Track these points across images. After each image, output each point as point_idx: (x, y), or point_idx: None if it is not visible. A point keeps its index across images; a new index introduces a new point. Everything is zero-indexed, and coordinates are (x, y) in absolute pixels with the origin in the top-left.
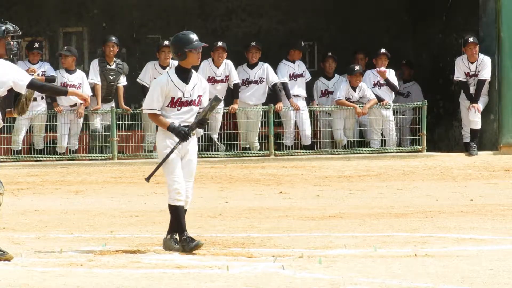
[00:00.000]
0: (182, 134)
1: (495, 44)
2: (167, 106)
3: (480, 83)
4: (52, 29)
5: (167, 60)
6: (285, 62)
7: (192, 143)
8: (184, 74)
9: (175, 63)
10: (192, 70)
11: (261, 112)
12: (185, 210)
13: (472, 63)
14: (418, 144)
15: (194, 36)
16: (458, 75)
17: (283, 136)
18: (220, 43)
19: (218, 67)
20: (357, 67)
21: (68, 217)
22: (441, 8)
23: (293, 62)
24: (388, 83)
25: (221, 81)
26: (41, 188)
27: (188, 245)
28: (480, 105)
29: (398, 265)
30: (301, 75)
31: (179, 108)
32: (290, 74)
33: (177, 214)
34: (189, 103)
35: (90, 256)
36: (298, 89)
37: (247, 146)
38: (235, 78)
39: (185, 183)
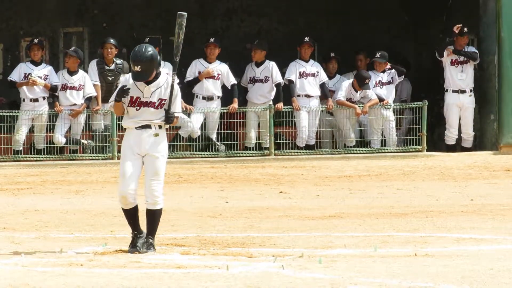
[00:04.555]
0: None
1: (495, 44)
2: (128, 106)
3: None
4: (52, 29)
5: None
6: (297, 61)
7: (151, 141)
8: None
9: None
10: (162, 74)
11: (268, 111)
12: (155, 211)
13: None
14: (418, 144)
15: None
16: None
17: (296, 137)
18: (212, 40)
19: (210, 62)
20: (367, 81)
21: (68, 217)
22: (441, 8)
23: (307, 61)
24: (394, 68)
25: (213, 77)
26: (41, 188)
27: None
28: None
29: (398, 265)
30: (313, 75)
31: (137, 108)
32: (300, 73)
33: (126, 215)
34: (147, 104)
35: (90, 256)
36: (309, 88)
37: (252, 146)
38: (232, 80)
39: (149, 182)
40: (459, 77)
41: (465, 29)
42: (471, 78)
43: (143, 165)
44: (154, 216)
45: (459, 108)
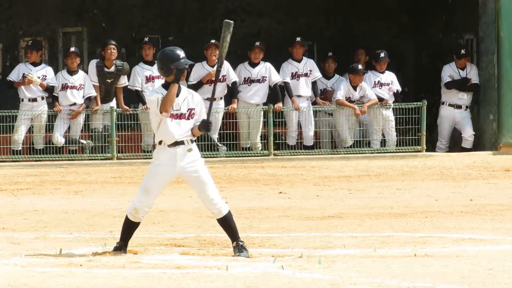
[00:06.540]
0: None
1: (494, 44)
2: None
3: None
4: (52, 29)
5: (149, 56)
6: (289, 61)
7: (186, 158)
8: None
9: None
10: (182, 86)
11: (262, 112)
12: (225, 217)
13: (462, 69)
14: (417, 144)
15: (181, 53)
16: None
17: (286, 136)
18: (213, 41)
19: (212, 66)
20: (360, 66)
21: (68, 217)
22: (441, 8)
23: (299, 61)
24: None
25: (218, 80)
26: (40, 188)
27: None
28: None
29: (397, 265)
30: (305, 75)
31: (171, 119)
32: (292, 73)
33: (126, 225)
34: (179, 116)
35: (90, 256)
36: (301, 89)
37: (248, 146)
38: (233, 77)
39: (204, 195)
40: (459, 97)
41: (463, 51)
42: (470, 98)
43: (190, 184)
44: (227, 222)
45: (453, 121)
